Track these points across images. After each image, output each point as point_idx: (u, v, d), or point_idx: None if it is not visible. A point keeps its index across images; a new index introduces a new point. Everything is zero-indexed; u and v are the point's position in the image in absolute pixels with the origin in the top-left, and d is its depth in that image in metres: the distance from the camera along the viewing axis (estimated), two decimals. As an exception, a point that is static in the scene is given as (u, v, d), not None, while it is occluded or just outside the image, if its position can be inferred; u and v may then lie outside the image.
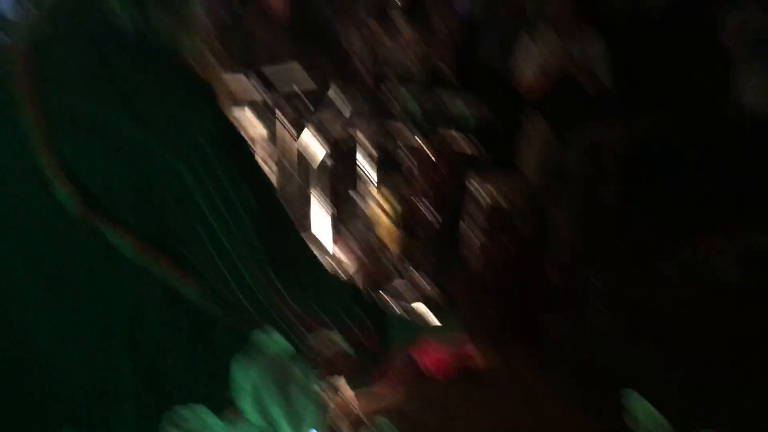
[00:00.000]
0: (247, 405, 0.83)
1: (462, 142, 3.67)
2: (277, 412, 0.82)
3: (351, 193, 4.18)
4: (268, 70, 4.65)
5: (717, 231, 4.31)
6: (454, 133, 3.64)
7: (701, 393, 2.89)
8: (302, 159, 3.90)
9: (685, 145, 4.65)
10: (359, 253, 3.84)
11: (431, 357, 1.18)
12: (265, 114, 4.04)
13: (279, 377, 0.83)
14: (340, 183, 4.71)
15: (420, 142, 3.62)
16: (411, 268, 4.21)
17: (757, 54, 4.23)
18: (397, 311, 3.05)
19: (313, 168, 3.89)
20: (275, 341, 0.87)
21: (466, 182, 3.93)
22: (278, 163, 4.80)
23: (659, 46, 4.69)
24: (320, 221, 3.85)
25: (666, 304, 3.84)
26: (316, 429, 0.83)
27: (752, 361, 3.19)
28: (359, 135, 3.92)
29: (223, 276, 1.02)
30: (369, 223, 4.19)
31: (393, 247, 4.32)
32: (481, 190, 3.72)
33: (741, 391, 3.02)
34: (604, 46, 4.26)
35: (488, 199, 3.70)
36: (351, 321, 1.09)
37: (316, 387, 0.85)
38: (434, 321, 2.42)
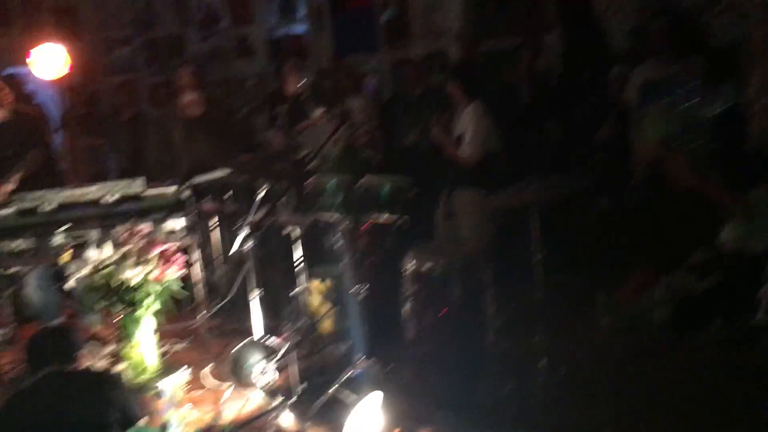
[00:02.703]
0: None
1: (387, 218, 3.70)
2: None
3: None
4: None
5: (639, 274, 4.46)
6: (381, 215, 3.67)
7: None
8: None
9: (597, 197, 4.88)
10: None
11: None
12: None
13: None
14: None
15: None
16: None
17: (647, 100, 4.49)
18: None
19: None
20: None
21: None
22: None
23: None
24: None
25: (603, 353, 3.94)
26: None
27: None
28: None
29: None
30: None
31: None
32: (410, 261, 3.72)
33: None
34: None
35: (415, 267, 3.71)
36: None
37: None
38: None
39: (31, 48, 6.13)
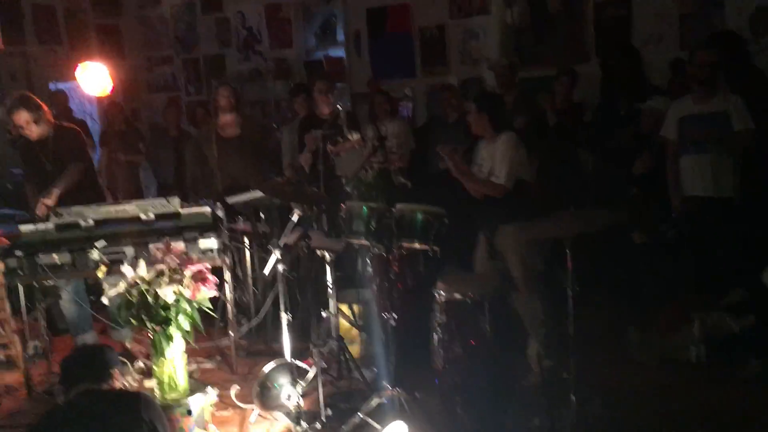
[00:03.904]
0: None
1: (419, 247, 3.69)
2: None
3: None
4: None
5: (673, 310, 4.38)
6: (413, 244, 3.66)
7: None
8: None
9: (632, 230, 4.82)
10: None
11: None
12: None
13: None
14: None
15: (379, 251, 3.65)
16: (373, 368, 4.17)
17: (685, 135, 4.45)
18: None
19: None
20: None
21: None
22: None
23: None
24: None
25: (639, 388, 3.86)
26: None
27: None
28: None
29: None
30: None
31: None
32: (440, 290, 3.70)
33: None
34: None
35: (446, 297, 3.69)
36: None
37: None
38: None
39: (77, 64, 6.29)
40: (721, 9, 5.65)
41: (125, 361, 4.35)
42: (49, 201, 4.52)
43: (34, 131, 4.74)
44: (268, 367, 3.80)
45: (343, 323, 4.47)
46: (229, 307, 4.52)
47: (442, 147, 4.34)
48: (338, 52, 7.75)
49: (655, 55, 5.86)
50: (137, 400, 2.61)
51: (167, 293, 3.47)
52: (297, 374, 3.82)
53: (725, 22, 5.62)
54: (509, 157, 4.05)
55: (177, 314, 3.52)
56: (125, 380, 2.87)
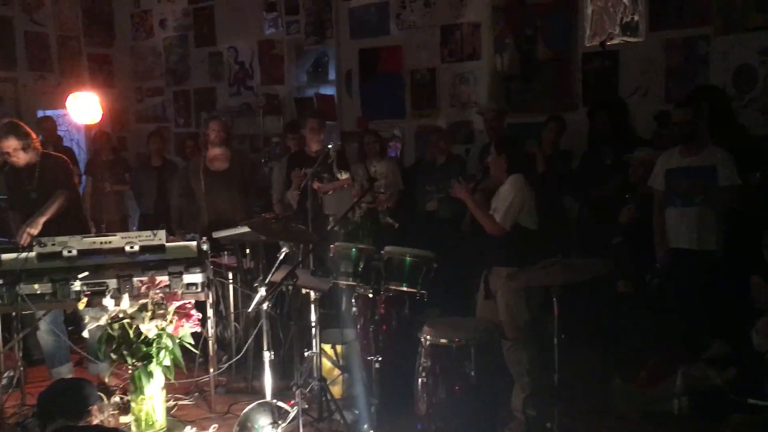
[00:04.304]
0: None
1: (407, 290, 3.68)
2: None
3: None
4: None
5: (656, 362, 4.39)
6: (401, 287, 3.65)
7: None
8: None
9: (616, 280, 4.84)
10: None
11: None
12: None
13: None
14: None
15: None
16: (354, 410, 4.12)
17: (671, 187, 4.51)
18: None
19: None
20: None
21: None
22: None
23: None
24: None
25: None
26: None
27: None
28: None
29: None
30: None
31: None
32: (426, 334, 3.68)
33: None
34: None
35: (431, 341, 3.67)
36: None
37: None
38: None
39: (66, 92, 6.29)
40: (706, 65, 5.79)
41: (103, 396, 4.28)
42: (34, 231, 4.47)
43: (21, 158, 4.71)
44: (249, 407, 3.73)
45: (325, 363, 4.42)
46: (210, 342, 4.45)
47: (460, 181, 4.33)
48: (329, 90, 7.82)
49: (641, 108, 5.97)
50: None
51: (150, 328, 3.43)
52: (279, 415, 3.76)
53: (709, 78, 5.76)
54: (511, 198, 4.01)
55: (158, 350, 3.47)
56: (103, 417, 2.80)
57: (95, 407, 2.71)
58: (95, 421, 2.69)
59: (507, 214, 4.01)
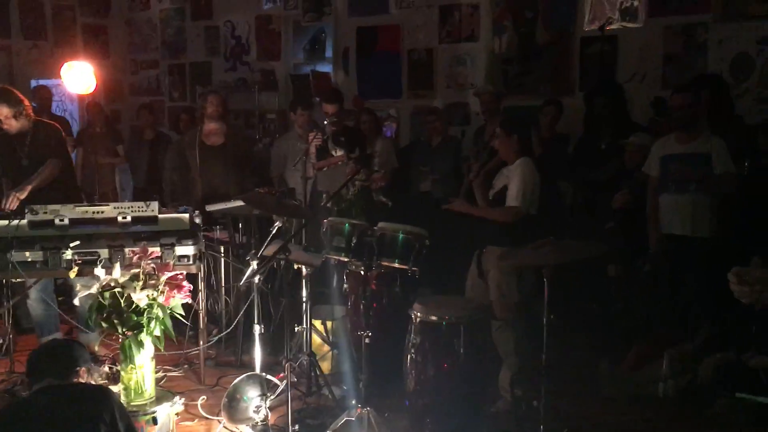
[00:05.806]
0: None
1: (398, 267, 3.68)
2: None
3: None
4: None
5: (644, 346, 4.42)
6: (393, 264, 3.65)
7: None
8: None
9: (608, 263, 4.86)
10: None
11: None
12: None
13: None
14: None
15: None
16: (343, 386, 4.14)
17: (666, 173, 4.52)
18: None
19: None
20: None
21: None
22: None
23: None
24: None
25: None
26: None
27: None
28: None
29: None
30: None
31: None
32: (417, 311, 3.69)
33: None
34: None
35: (422, 318, 3.67)
36: None
37: None
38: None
39: (61, 62, 6.22)
40: (705, 52, 5.78)
41: (96, 358, 4.29)
42: (21, 195, 4.45)
43: (13, 125, 4.68)
44: (239, 379, 3.74)
45: (315, 339, 4.44)
46: (200, 315, 4.46)
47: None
48: (326, 68, 7.76)
49: (638, 93, 5.96)
50: (95, 393, 2.56)
51: (141, 298, 3.42)
52: (267, 388, 3.77)
53: (708, 65, 5.75)
54: (526, 180, 3.99)
55: (149, 320, 3.47)
56: (91, 380, 2.79)
57: (83, 369, 2.70)
58: (83, 381, 2.68)
59: (524, 197, 3.97)
